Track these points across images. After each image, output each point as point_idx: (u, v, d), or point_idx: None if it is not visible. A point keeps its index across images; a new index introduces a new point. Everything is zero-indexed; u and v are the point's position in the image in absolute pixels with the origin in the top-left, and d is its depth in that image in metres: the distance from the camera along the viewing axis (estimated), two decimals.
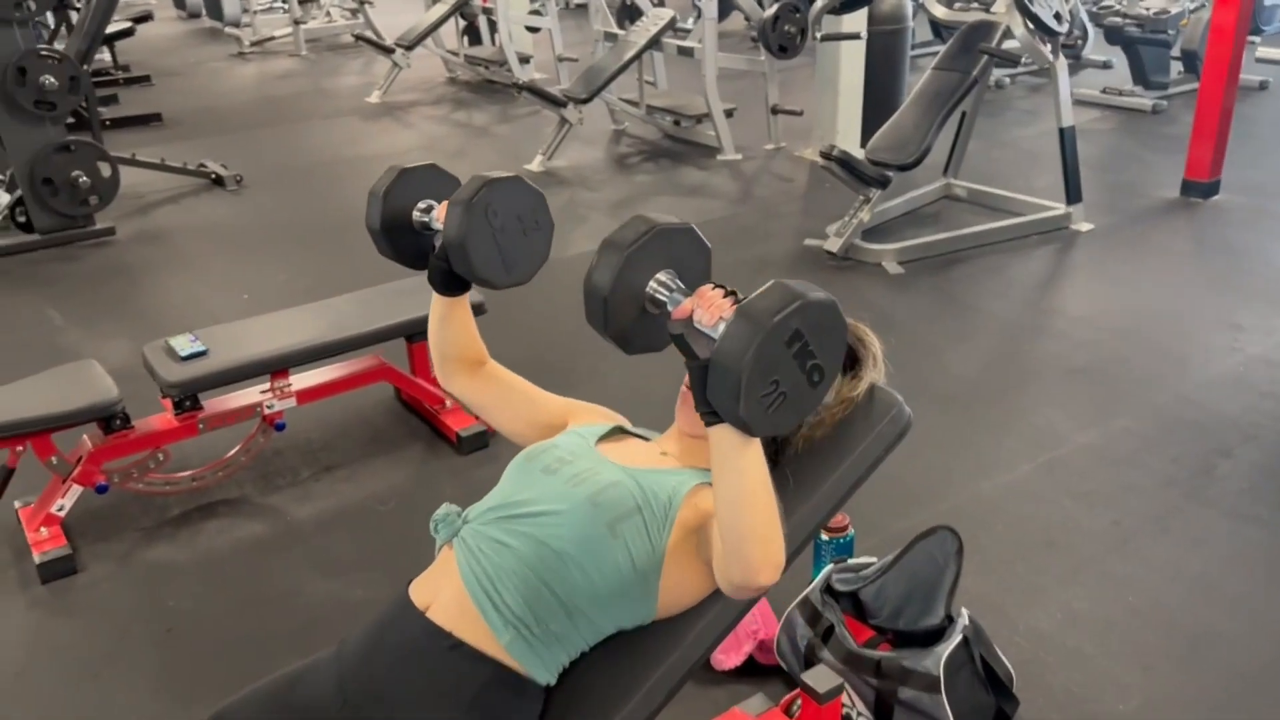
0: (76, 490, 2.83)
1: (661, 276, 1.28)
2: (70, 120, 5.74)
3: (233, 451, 3.08)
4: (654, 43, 6.45)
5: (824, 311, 1.17)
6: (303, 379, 3.17)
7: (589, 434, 1.57)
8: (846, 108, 6.11)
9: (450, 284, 1.58)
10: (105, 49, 9.33)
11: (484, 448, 3.26)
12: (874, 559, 2.36)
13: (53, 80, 4.88)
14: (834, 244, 4.67)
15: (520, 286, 1.56)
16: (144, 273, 4.93)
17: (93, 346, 4.02)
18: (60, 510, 2.81)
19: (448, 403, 3.36)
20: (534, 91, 6.14)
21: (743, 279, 1.28)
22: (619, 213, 5.40)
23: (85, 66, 5.32)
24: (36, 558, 2.71)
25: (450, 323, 1.63)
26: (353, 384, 3.27)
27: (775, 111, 6.51)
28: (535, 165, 6.22)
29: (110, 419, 2.82)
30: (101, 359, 3.08)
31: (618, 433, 1.62)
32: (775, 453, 1.56)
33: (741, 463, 1.20)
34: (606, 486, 1.41)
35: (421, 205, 1.62)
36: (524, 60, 8.36)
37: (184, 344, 2.97)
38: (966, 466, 3.08)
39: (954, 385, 3.58)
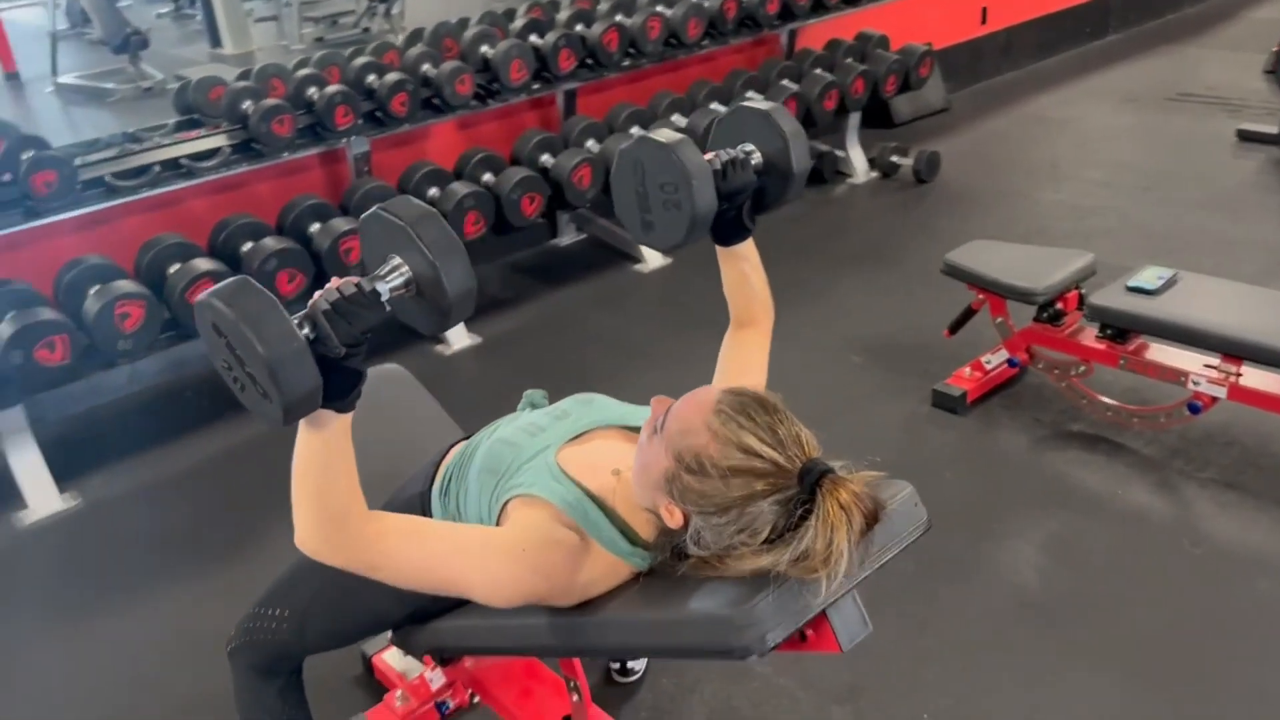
0: (1002, 354, 3.11)
1: (394, 261, 1.24)
2: None
3: (1159, 407, 2.84)
4: None
5: (223, 321, 1.11)
6: (1256, 378, 2.63)
7: (629, 417, 1.51)
8: None
9: (723, 230, 1.55)
10: None
11: None
12: None
13: None
14: None
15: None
16: None
17: None
18: (988, 364, 3.14)
19: None
20: None
21: None
22: None
23: None
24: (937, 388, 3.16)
25: (724, 273, 1.63)
26: None
27: None
28: None
29: (1039, 308, 2.94)
30: None
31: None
32: (677, 550, 1.30)
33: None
34: (502, 444, 1.48)
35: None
36: None
37: (1149, 276, 2.78)
38: None
39: None
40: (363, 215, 1.26)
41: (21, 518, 2.92)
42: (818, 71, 4.72)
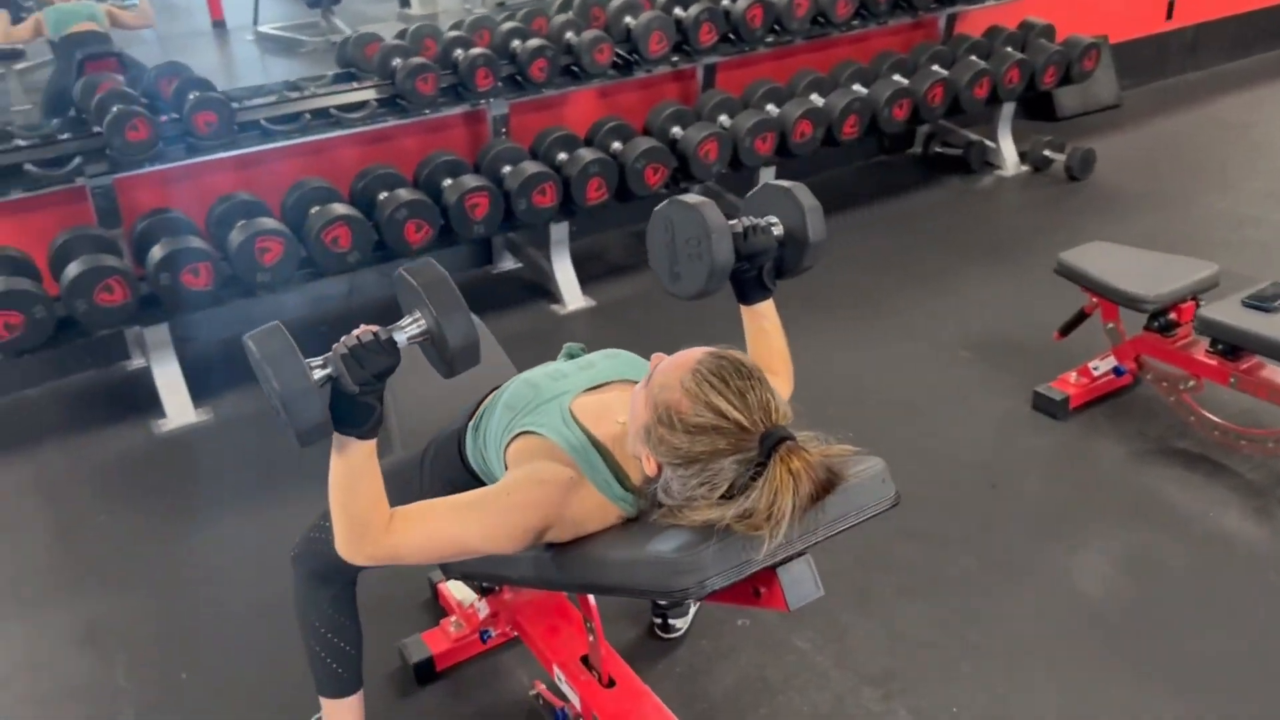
0: (1110, 362, 3.00)
1: (415, 315, 1.39)
2: None
3: (1267, 431, 2.70)
4: None
5: (253, 359, 1.28)
6: None
7: (639, 371, 1.58)
8: None
9: (744, 289, 1.70)
10: None
11: None
12: None
13: None
14: None
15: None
16: None
17: None
18: (1095, 370, 3.03)
19: None
20: None
21: None
22: None
23: None
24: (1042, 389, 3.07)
25: (746, 328, 1.75)
26: None
27: None
28: None
29: (1150, 316, 2.82)
30: None
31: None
32: (652, 497, 1.38)
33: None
34: (526, 384, 1.60)
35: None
36: None
37: (1269, 291, 2.63)
38: None
39: None
40: (395, 274, 1.42)
41: (159, 425, 3.23)
42: (972, 58, 4.60)
